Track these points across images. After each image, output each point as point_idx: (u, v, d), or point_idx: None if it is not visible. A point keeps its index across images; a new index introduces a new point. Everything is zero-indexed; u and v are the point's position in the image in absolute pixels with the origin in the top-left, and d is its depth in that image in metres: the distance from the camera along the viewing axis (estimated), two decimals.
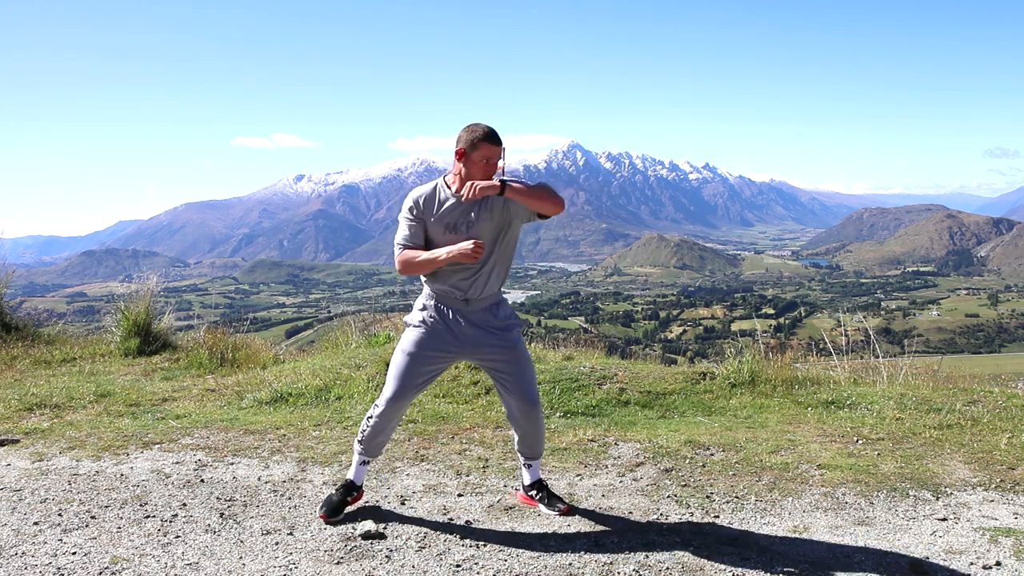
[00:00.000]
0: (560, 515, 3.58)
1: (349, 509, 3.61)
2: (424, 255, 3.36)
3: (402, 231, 3.43)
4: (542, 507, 3.66)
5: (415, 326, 3.49)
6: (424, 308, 3.49)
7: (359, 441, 3.60)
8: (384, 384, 3.54)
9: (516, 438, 3.67)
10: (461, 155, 3.32)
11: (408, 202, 3.42)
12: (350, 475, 3.65)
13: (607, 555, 3.19)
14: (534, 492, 3.71)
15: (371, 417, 3.54)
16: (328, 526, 3.49)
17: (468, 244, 3.28)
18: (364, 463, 3.65)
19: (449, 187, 3.40)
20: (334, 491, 3.64)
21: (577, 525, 3.49)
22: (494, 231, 3.41)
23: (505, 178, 3.33)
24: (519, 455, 3.73)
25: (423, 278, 3.50)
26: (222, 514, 3.64)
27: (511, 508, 3.69)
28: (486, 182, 3.25)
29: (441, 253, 3.32)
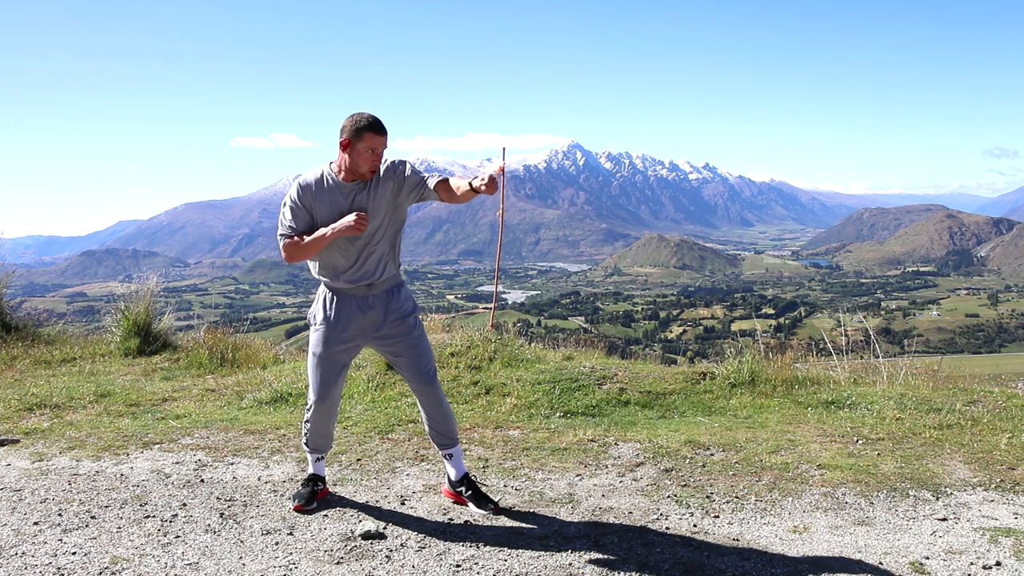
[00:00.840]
0: (492, 514, 3.58)
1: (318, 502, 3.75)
2: (309, 237, 3.41)
3: (286, 219, 3.46)
4: (471, 506, 3.63)
5: (317, 326, 3.56)
6: (323, 305, 3.55)
7: (305, 444, 3.75)
8: (309, 387, 3.63)
9: (425, 425, 3.72)
10: (346, 145, 3.36)
11: (292, 191, 3.47)
12: (311, 470, 3.80)
13: (607, 555, 3.19)
14: (462, 488, 3.69)
15: (307, 422, 3.69)
16: (328, 526, 3.49)
17: (351, 217, 3.34)
18: (319, 459, 3.81)
19: (335, 175, 3.44)
20: (302, 485, 3.78)
21: (577, 525, 3.49)
22: (386, 214, 3.46)
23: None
24: (434, 445, 3.78)
25: (320, 275, 3.54)
26: (222, 514, 3.64)
27: (511, 508, 3.69)
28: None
29: (326, 231, 3.38)
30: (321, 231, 3.39)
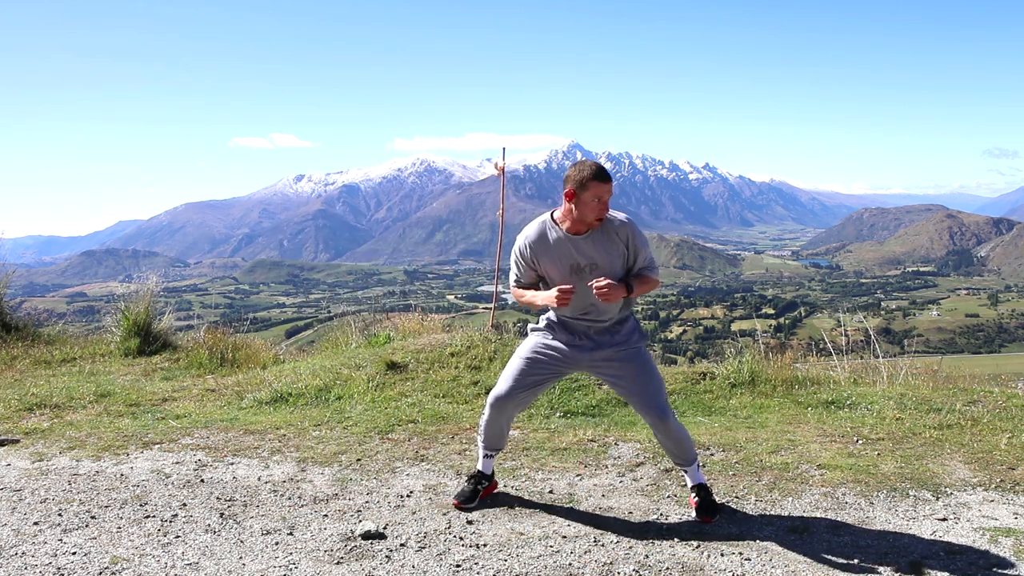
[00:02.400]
0: (698, 519, 3.53)
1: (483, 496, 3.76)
2: (526, 296, 3.51)
3: (513, 270, 3.56)
4: (693, 511, 3.60)
5: (536, 331, 3.61)
6: (549, 320, 3.59)
7: (479, 439, 3.74)
8: (497, 384, 3.63)
9: (664, 449, 3.70)
10: (571, 196, 3.33)
11: (517, 245, 3.50)
12: (479, 466, 3.77)
13: (607, 555, 3.19)
14: (694, 494, 3.63)
15: (484, 415, 3.67)
16: (328, 526, 3.49)
17: (553, 292, 3.35)
18: (488, 456, 3.75)
19: (558, 225, 3.43)
20: (466, 482, 3.76)
21: (577, 525, 3.49)
22: (613, 263, 3.43)
23: (631, 282, 3.41)
24: (667, 458, 3.78)
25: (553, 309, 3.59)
26: (222, 514, 3.64)
27: (511, 508, 3.69)
28: (617, 288, 3.30)
29: (537, 299, 3.46)
30: (531, 296, 3.48)
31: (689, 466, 3.62)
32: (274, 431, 5.00)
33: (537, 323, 3.65)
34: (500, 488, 3.93)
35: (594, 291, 3.29)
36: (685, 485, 3.75)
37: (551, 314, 3.58)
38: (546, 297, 3.40)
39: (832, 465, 4.20)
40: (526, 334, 3.75)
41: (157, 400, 5.89)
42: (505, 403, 3.56)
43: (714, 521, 3.52)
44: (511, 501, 3.78)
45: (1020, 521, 3.50)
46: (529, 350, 3.57)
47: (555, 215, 3.46)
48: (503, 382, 3.57)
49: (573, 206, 3.34)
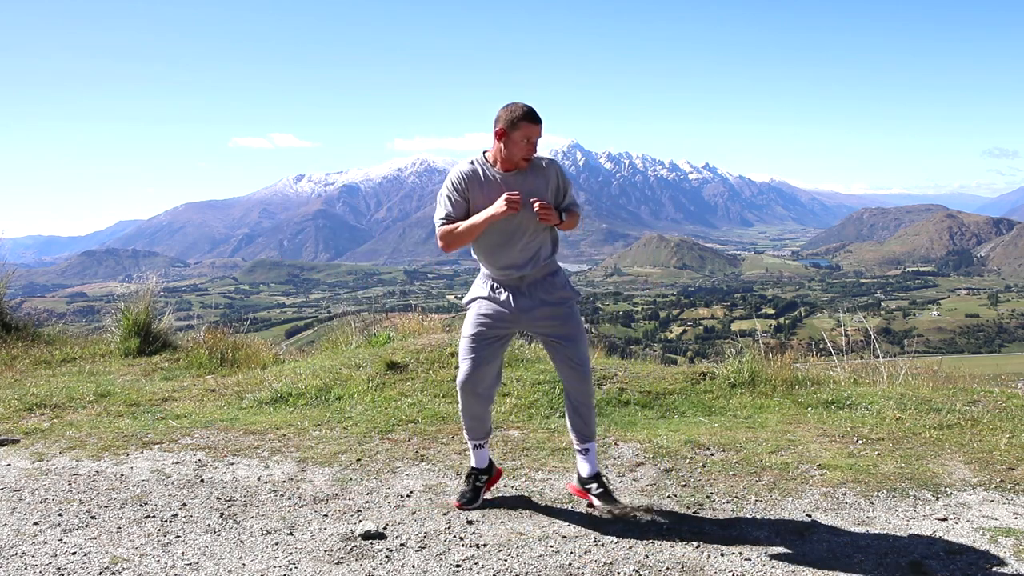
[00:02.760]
0: (610, 516, 3.53)
1: (487, 496, 3.75)
2: (463, 224, 3.44)
3: (443, 207, 3.49)
4: (596, 501, 3.58)
5: (472, 302, 3.61)
6: (481, 288, 3.59)
7: (464, 432, 3.72)
8: (459, 370, 3.61)
9: (567, 416, 3.67)
10: (501, 135, 3.39)
11: (450, 178, 3.50)
12: (472, 462, 3.73)
13: (607, 555, 3.19)
14: (592, 485, 3.62)
15: (459, 405, 3.64)
16: (328, 526, 3.49)
17: (501, 199, 3.35)
18: (478, 447, 3.71)
19: (489, 164, 3.48)
20: (464, 482, 3.73)
21: (577, 525, 3.49)
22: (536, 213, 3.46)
23: (563, 213, 3.50)
24: (573, 438, 3.68)
25: (480, 261, 3.59)
26: (222, 514, 3.64)
27: (511, 508, 3.69)
28: (553, 212, 3.41)
29: (480, 217, 3.40)
30: (475, 217, 3.42)
31: (590, 443, 3.63)
32: (274, 431, 5.00)
33: (470, 294, 3.64)
34: (501, 488, 3.92)
35: (535, 207, 3.35)
36: (582, 473, 3.67)
37: (484, 280, 3.59)
38: (494, 207, 3.36)
39: (832, 465, 4.20)
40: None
41: (157, 400, 5.89)
42: (473, 384, 3.55)
43: (626, 510, 3.56)
44: (511, 501, 3.78)
45: (1020, 521, 3.50)
46: (473, 325, 3.56)
47: (486, 155, 3.51)
48: (462, 364, 3.57)
49: (503, 145, 3.41)
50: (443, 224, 3.47)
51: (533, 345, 6.96)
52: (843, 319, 8.77)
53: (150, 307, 7.79)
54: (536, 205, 3.36)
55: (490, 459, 3.77)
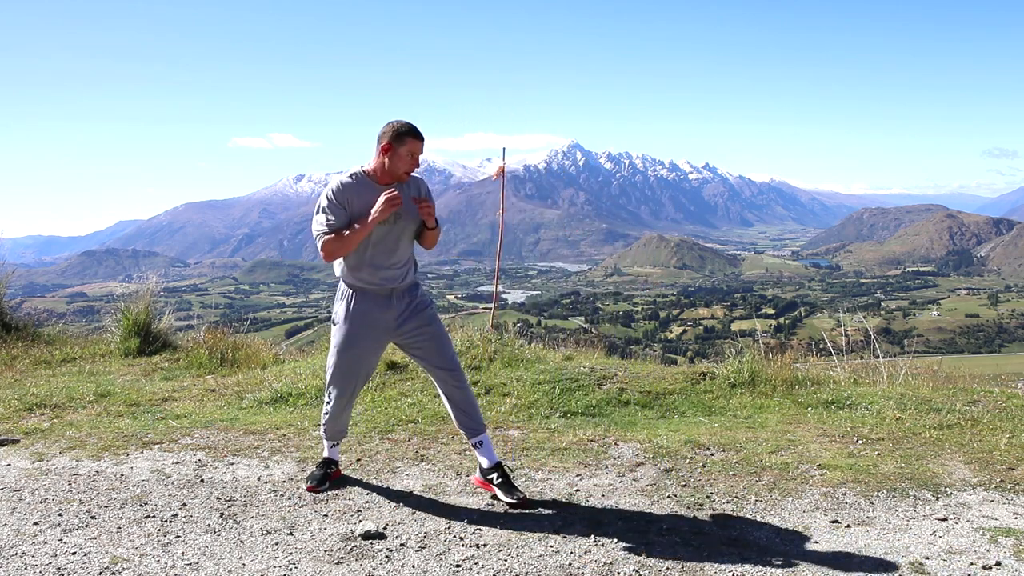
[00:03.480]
0: (518, 505, 3.63)
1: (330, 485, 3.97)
2: (346, 233, 3.54)
3: (323, 218, 3.56)
4: (499, 493, 3.70)
5: (340, 324, 3.71)
6: (347, 303, 3.69)
7: (323, 431, 3.97)
8: (328, 380, 3.79)
9: (452, 416, 3.82)
10: (387, 149, 3.54)
11: (329, 189, 3.60)
12: (326, 453, 4.05)
13: (607, 555, 3.19)
14: (493, 475, 3.76)
15: (325, 414, 3.89)
16: (328, 526, 3.50)
17: (382, 198, 3.49)
18: (334, 446, 4.05)
19: (369, 177, 3.61)
20: (315, 467, 4.05)
21: (577, 525, 3.49)
22: (412, 220, 3.66)
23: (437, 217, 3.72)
24: (463, 433, 3.84)
25: (345, 275, 3.68)
26: (222, 514, 3.64)
27: (511, 507, 3.69)
28: (432, 207, 3.62)
29: (366, 221, 3.52)
30: (355, 226, 3.54)
31: (482, 435, 3.78)
32: (274, 431, 5.00)
33: (336, 311, 3.74)
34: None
35: (419, 205, 3.56)
36: (483, 465, 3.80)
37: (349, 292, 3.69)
38: (376, 208, 3.47)
39: (832, 465, 4.20)
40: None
41: (157, 400, 5.89)
42: (349, 399, 3.82)
43: (529, 504, 3.65)
44: (511, 501, 3.77)
45: (1020, 521, 3.50)
46: (348, 343, 3.69)
47: (365, 168, 3.64)
48: (341, 380, 3.75)
49: (387, 159, 3.55)
50: (326, 234, 3.54)
51: (533, 345, 6.96)
52: (843, 319, 8.77)
53: (150, 307, 7.79)
54: (420, 204, 3.58)
55: (339, 457, 4.16)
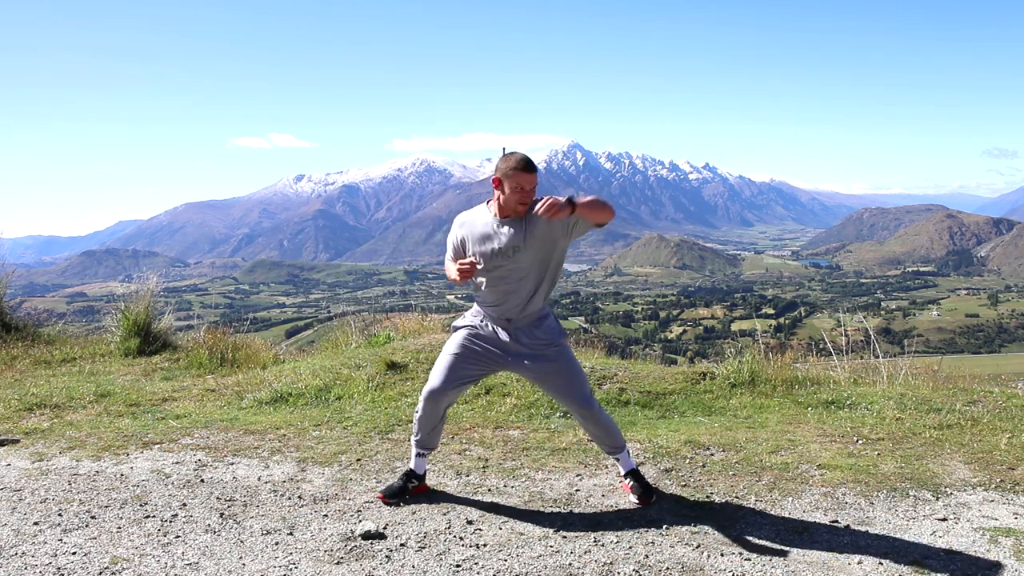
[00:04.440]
0: (640, 505, 3.70)
1: (411, 498, 3.84)
2: (446, 270, 3.68)
3: (449, 247, 3.73)
4: (631, 496, 3.78)
5: (461, 328, 3.74)
6: (473, 317, 3.74)
7: (414, 436, 3.87)
8: (428, 381, 3.76)
9: (592, 439, 3.90)
10: (497, 183, 3.54)
11: (454, 223, 3.71)
12: (411, 465, 3.89)
13: (607, 555, 3.19)
14: (628, 480, 3.83)
15: (417, 412, 3.82)
16: (328, 526, 3.50)
17: (455, 266, 3.53)
18: (421, 455, 3.88)
19: (490, 211, 3.61)
20: (397, 478, 3.89)
21: (577, 525, 3.49)
22: (538, 251, 3.55)
23: (574, 198, 3.43)
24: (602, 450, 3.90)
25: (475, 295, 3.75)
26: (222, 514, 3.64)
27: (511, 508, 3.69)
28: (558, 204, 3.28)
29: (449, 273, 3.63)
30: (448, 271, 3.65)
31: (620, 453, 3.82)
32: (274, 431, 5.00)
33: (462, 319, 3.77)
34: (501, 488, 3.92)
35: (539, 211, 3.30)
36: (619, 473, 3.91)
37: (477, 310, 3.74)
38: (451, 269, 3.58)
39: (832, 465, 4.20)
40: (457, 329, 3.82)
41: (157, 400, 5.89)
42: (440, 398, 3.73)
43: (652, 502, 3.70)
44: (511, 501, 3.78)
45: (1020, 521, 3.50)
46: (458, 345, 3.70)
47: (490, 204, 3.65)
48: (436, 377, 3.71)
49: (500, 192, 3.54)
50: (447, 261, 3.73)
51: None
52: (843, 319, 8.77)
53: (150, 307, 7.79)
54: (541, 208, 3.30)
55: (425, 470, 3.92)
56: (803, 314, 74.62)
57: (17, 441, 4.82)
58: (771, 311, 75.03)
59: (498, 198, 3.56)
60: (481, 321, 3.71)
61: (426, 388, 3.74)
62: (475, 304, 3.78)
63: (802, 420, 5.13)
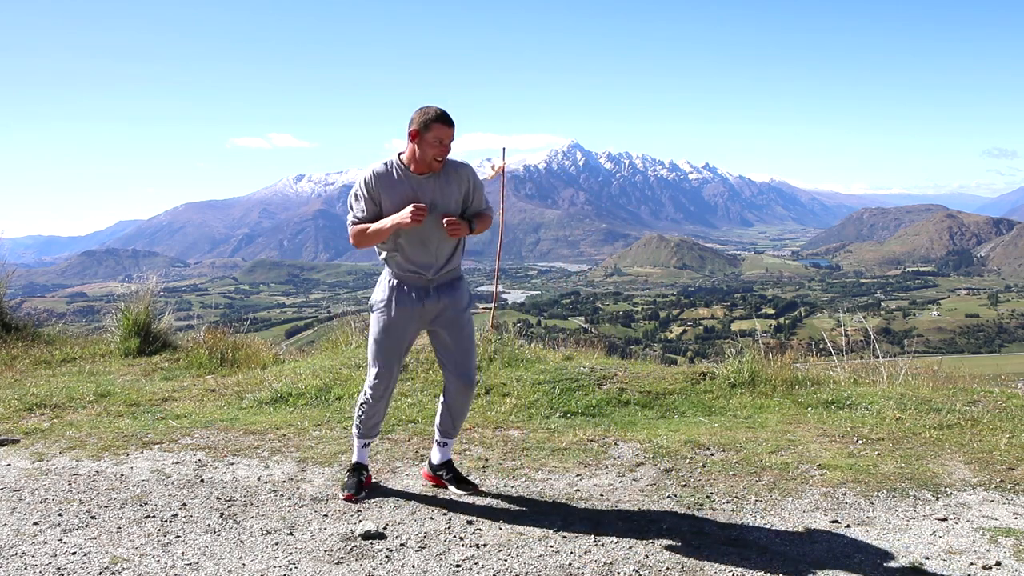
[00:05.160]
0: (470, 495, 3.79)
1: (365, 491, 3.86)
2: (372, 226, 3.53)
3: (354, 206, 3.60)
4: (451, 488, 3.82)
5: (379, 312, 3.67)
6: (386, 290, 3.66)
7: (357, 428, 3.84)
8: (367, 372, 3.74)
9: (439, 414, 3.84)
10: (415, 136, 3.46)
11: (361, 178, 3.58)
12: (355, 457, 3.90)
13: (607, 555, 3.19)
14: (443, 472, 3.87)
15: (361, 405, 3.77)
16: (328, 526, 3.50)
17: (407, 209, 3.43)
18: (365, 446, 3.90)
19: (404, 166, 3.54)
20: (347, 475, 3.88)
21: (577, 525, 3.49)
22: (451, 206, 3.57)
23: (472, 220, 3.61)
24: (437, 432, 3.88)
25: (383, 258, 3.67)
26: (222, 514, 3.64)
27: (511, 508, 3.69)
28: (462, 223, 3.52)
29: (386, 222, 3.49)
30: (381, 222, 3.51)
31: (451, 439, 3.87)
32: (274, 431, 5.00)
33: (376, 297, 3.71)
34: (501, 488, 3.93)
35: (445, 224, 3.46)
36: (433, 460, 3.94)
37: (390, 279, 3.66)
38: (399, 216, 3.44)
39: (832, 465, 4.20)
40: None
41: (157, 400, 5.89)
42: (385, 388, 3.72)
43: (479, 489, 3.80)
44: (511, 501, 3.78)
45: (1020, 521, 3.50)
46: (383, 329, 3.65)
47: (401, 156, 3.57)
48: (374, 370, 3.69)
49: (416, 146, 3.47)
50: (353, 224, 3.59)
51: (533, 345, 6.96)
52: (843, 319, 8.77)
53: (150, 307, 7.78)
54: (445, 222, 3.46)
55: (368, 461, 3.95)
56: (803, 314, 74.60)
57: (17, 441, 4.82)
58: (771, 311, 75.01)
59: (413, 152, 3.48)
60: (393, 292, 3.63)
61: (368, 382, 3.72)
62: (386, 270, 3.68)
63: (802, 420, 5.13)
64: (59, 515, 3.63)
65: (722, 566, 3.09)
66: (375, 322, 3.69)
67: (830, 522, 3.50)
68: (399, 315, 3.62)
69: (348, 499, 3.75)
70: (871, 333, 7.15)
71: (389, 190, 3.51)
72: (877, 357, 6.52)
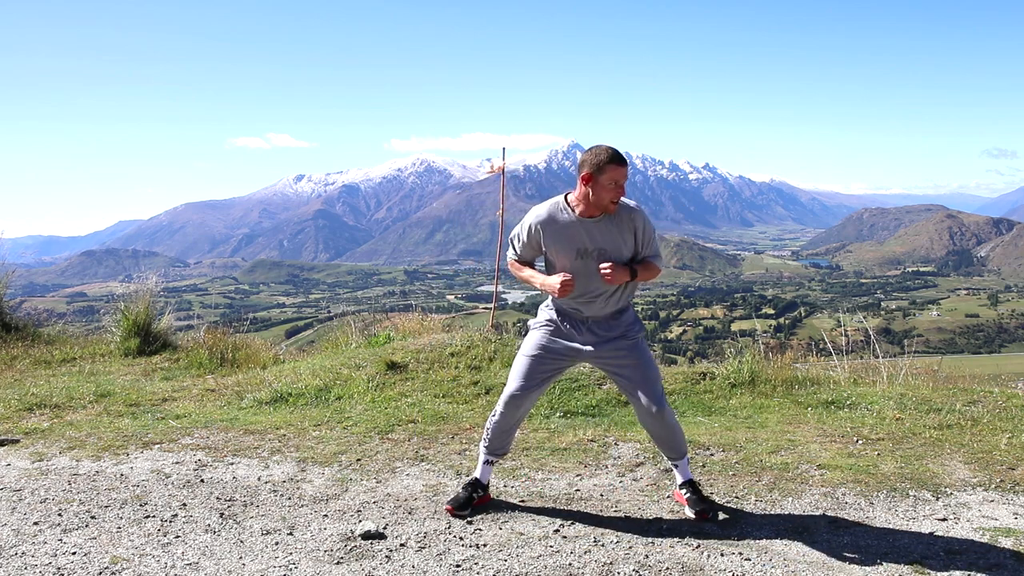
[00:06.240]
0: (696, 518, 3.54)
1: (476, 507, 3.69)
2: (524, 273, 3.58)
3: (514, 247, 3.59)
4: (687, 508, 3.62)
5: (537, 328, 3.61)
6: (547, 314, 3.60)
7: (484, 441, 3.69)
8: (507, 385, 3.60)
9: (653, 440, 3.70)
10: (588, 179, 3.34)
11: (527, 221, 3.52)
12: (476, 474, 3.73)
13: (607, 555, 3.19)
14: (684, 491, 3.66)
15: (494, 416, 3.63)
16: (328, 526, 3.50)
17: (556, 282, 3.38)
18: (489, 462, 3.72)
19: (571, 208, 3.44)
20: (461, 488, 3.70)
21: (577, 525, 3.49)
22: (618, 251, 3.45)
23: (636, 267, 3.45)
24: (663, 457, 3.77)
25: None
26: (222, 514, 3.64)
27: (511, 508, 3.69)
28: (622, 271, 3.37)
29: (535, 282, 3.51)
30: (532, 277, 3.54)
31: (680, 460, 3.66)
32: (274, 431, 5.00)
33: (537, 318, 3.66)
34: (501, 488, 3.92)
35: (601, 272, 3.35)
36: (676, 482, 3.75)
37: (551, 307, 3.60)
38: (548, 284, 3.43)
39: (832, 465, 4.20)
40: (526, 334, 3.74)
41: (157, 400, 5.89)
42: (520, 400, 3.56)
43: (710, 518, 3.52)
44: (511, 501, 3.78)
45: (1020, 521, 3.50)
46: (534, 347, 3.58)
47: (568, 198, 3.47)
48: (515, 380, 3.57)
49: (589, 189, 3.35)
50: (513, 260, 3.63)
51: None
52: (843, 319, 8.77)
53: (150, 307, 7.78)
54: (601, 270, 3.35)
55: (489, 480, 3.77)
56: (803, 314, 74.59)
57: (17, 441, 4.82)
58: (771, 311, 75.02)
59: (585, 195, 3.36)
60: (554, 318, 3.56)
61: (506, 392, 3.58)
62: (548, 300, 3.61)
63: (802, 420, 5.13)
64: (59, 515, 3.63)
65: (722, 566, 3.09)
66: (528, 338, 3.64)
67: (830, 522, 3.50)
68: (550, 343, 3.55)
69: (449, 511, 3.60)
70: (871, 333, 7.15)
71: (555, 235, 3.44)
72: (877, 357, 6.52)
